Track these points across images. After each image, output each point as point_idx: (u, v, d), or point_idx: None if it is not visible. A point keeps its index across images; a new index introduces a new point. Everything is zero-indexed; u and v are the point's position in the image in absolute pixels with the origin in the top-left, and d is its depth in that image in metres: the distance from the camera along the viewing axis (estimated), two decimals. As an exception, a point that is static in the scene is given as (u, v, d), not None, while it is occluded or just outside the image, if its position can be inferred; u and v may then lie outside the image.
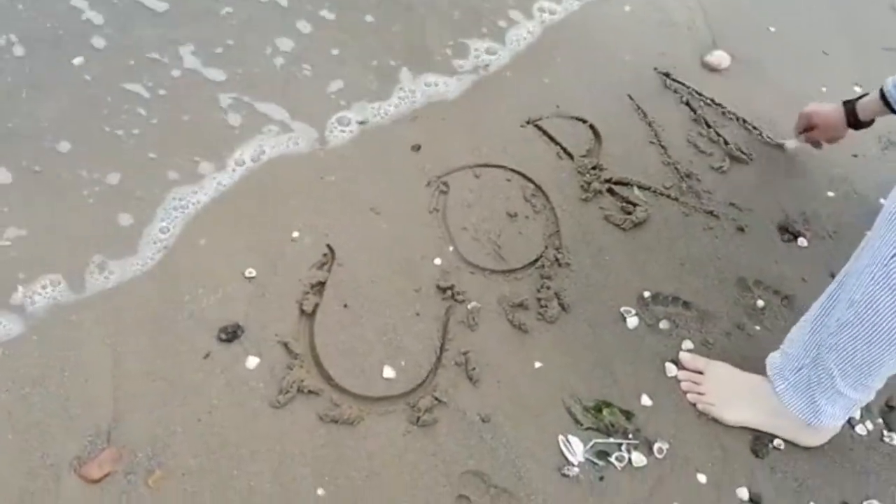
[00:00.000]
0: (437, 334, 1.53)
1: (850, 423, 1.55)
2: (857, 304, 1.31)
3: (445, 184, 1.75)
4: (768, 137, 1.97)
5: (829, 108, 1.85)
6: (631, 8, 2.17)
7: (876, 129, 2.03)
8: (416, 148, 1.79)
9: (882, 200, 1.74)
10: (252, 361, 1.45)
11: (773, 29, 2.19)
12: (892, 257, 1.24)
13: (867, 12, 2.26)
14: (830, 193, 1.91)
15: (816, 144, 1.94)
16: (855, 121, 1.81)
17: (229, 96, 1.85)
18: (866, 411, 1.57)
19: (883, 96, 1.71)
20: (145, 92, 1.82)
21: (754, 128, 1.98)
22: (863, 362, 1.34)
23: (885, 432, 1.55)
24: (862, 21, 2.25)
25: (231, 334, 1.46)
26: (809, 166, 1.94)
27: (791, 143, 1.98)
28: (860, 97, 1.80)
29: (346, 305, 1.54)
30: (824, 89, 2.10)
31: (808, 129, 1.91)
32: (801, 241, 1.81)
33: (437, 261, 1.63)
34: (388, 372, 1.48)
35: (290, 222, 1.64)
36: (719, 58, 2.07)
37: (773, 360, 1.50)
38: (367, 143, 1.80)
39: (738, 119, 1.99)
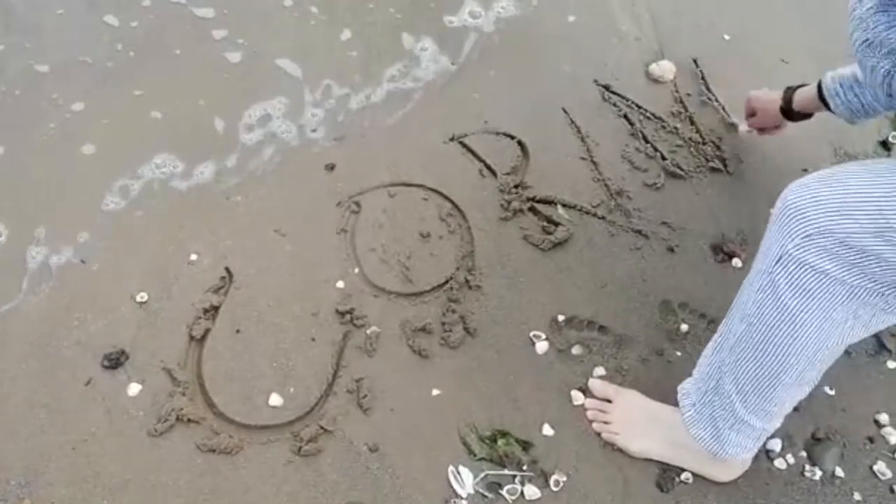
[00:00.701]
0: (331, 360, 1.49)
1: (769, 455, 1.45)
2: (747, 318, 1.22)
3: (357, 203, 1.71)
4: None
5: (769, 96, 1.76)
6: (575, 17, 2.09)
7: (830, 141, 1.93)
8: (331, 167, 1.75)
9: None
10: (134, 389, 1.43)
11: (727, 37, 2.09)
12: (777, 262, 1.16)
13: (828, 20, 2.13)
14: (773, 210, 1.80)
15: (761, 131, 1.85)
16: (789, 109, 1.70)
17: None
18: (789, 444, 1.47)
19: (820, 90, 1.59)
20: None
21: (701, 141, 1.89)
22: (758, 383, 1.26)
23: (808, 466, 1.45)
24: (823, 29, 2.13)
25: (114, 361, 1.44)
26: (753, 182, 1.84)
27: (742, 127, 1.91)
28: (801, 86, 1.69)
29: (238, 331, 1.51)
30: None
31: (751, 115, 1.83)
32: (736, 262, 1.71)
33: (340, 284, 1.59)
34: (276, 399, 1.44)
35: (189, 244, 1.62)
36: (664, 68, 1.98)
37: (683, 387, 1.41)
38: (279, 162, 1.77)
39: (678, 133, 1.90)
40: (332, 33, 2.03)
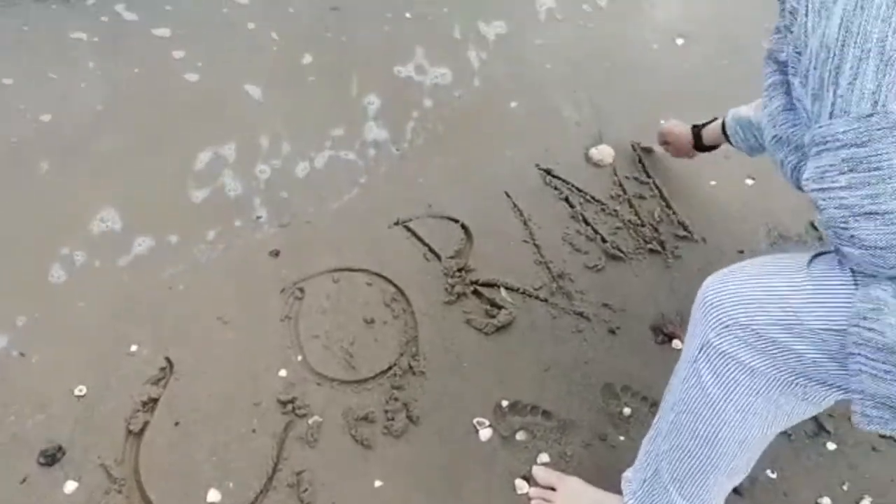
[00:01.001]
0: (272, 453, 1.47)
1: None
2: (676, 406, 1.25)
3: (301, 290, 1.72)
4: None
5: (681, 129, 1.98)
6: (517, 103, 2.16)
7: (764, 222, 2.00)
8: (275, 253, 1.76)
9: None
10: (70, 486, 1.39)
11: (663, 122, 2.18)
12: (700, 351, 1.19)
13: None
14: (710, 291, 1.85)
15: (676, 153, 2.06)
16: (699, 143, 1.93)
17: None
18: (732, 531, 1.48)
19: (724, 127, 1.79)
20: None
21: (640, 224, 1.95)
22: (692, 472, 1.27)
23: (749, 554, 1.46)
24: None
25: (51, 457, 1.41)
26: (691, 264, 1.89)
27: (657, 147, 2.10)
28: (709, 122, 1.90)
29: (177, 423, 1.49)
30: (713, 182, 2.08)
31: (664, 144, 2.05)
32: (676, 343, 1.74)
33: (283, 372, 1.58)
34: (213, 495, 1.41)
35: (129, 334, 1.60)
36: (603, 152, 2.05)
37: (626, 475, 1.42)
38: (223, 248, 1.78)
39: (617, 215, 1.96)
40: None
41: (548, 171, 2.03)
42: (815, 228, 2.03)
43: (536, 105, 2.17)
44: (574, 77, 2.25)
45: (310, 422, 1.52)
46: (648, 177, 2.05)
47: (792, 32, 1.00)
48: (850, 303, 1.00)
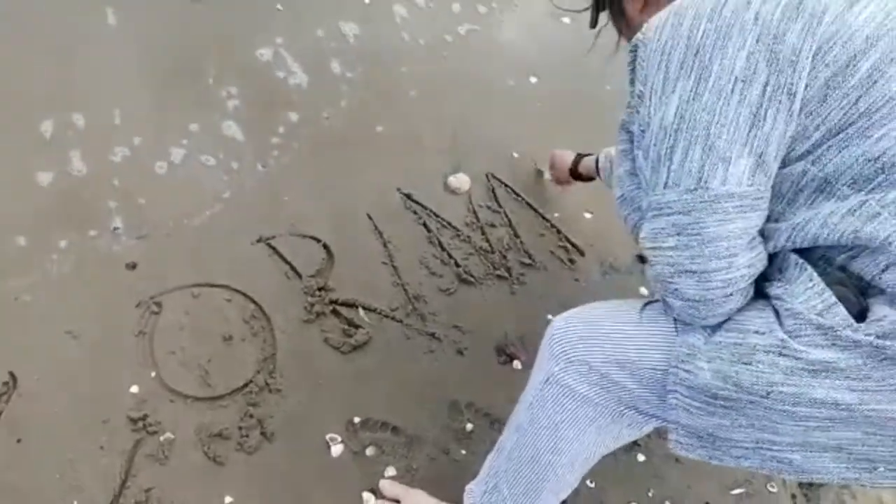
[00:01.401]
0: (120, 470, 1.47)
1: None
2: (520, 428, 1.38)
3: (158, 304, 1.71)
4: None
5: (566, 156, 2.18)
6: (382, 128, 2.25)
7: (598, 254, 2.21)
8: (132, 266, 1.74)
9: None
10: None
11: (516, 154, 2.35)
12: (545, 382, 1.32)
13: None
14: (550, 316, 2.03)
15: (559, 184, 2.26)
16: (576, 172, 2.14)
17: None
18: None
19: (597, 163, 2.04)
20: None
21: (490, 251, 2.09)
22: (527, 486, 1.41)
23: (570, 556, 1.63)
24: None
25: None
26: (533, 290, 2.07)
27: (546, 175, 2.31)
28: (588, 154, 2.12)
29: (19, 440, 1.45)
30: (556, 214, 2.27)
31: (550, 169, 2.26)
32: (516, 364, 1.91)
33: (134, 388, 1.58)
34: (57, 514, 1.39)
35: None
36: (460, 180, 2.19)
37: (469, 486, 1.54)
38: (76, 261, 1.73)
39: (470, 242, 2.10)
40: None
41: (408, 196, 2.13)
42: (642, 261, 2.27)
43: (401, 131, 2.27)
44: (436, 106, 2.37)
45: (161, 439, 1.53)
46: (500, 206, 2.21)
47: (639, 113, 1.16)
48: (671, 347, 1.17)
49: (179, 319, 1.71)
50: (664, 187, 1.08)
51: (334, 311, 1.84)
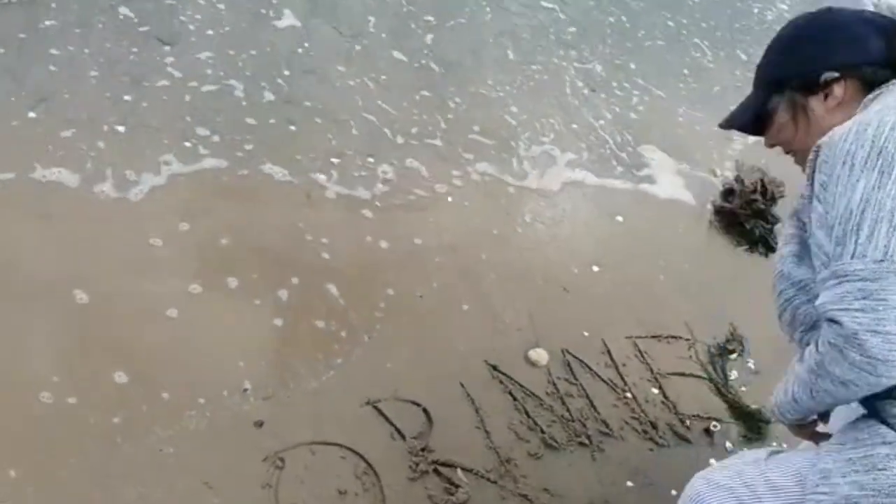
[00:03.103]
0: None
1: None
2: None
3: (282, 459, 1.88)
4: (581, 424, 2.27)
5: None
6: (468, 307, 2.52)
7: (668, 425, 2.37)
8: (259, 424, 1.93)
9: (674, 492, 2.01)
10: None
11: (586, 333, 2.59)
12: None
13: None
14: (629, 483, 2.16)
15: None
16: None
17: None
18: None
19: None
20: None
21: (570, 419, 2.26)
22: None
23: None
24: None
25: None
26: (612, 457, 2.21)
27: None
28: None
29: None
30: (655, 391, 2.46)
31: None
32: (604, 528, 2.01)
33: (264, 536, 1.71)
34: None
35: (120, 493, 1.69)
36: (539, 354, 2.41)
37: None
38: (211, 417, 1.93)
39: (552, 410, 2.27)
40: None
41: (494, 367, 2.34)
42: (708, 434, 2.41)
43: (484, 310, 2.53)
44: (514, 289, 2.65)
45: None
46: (576, 379, 2.41)
47: (819, 200, 1.35)
48: (801, 483, 1.32)
49: (300, 474, 1.87)
50: (851, 257, 1.24)
51: (436, 471, 1.99)
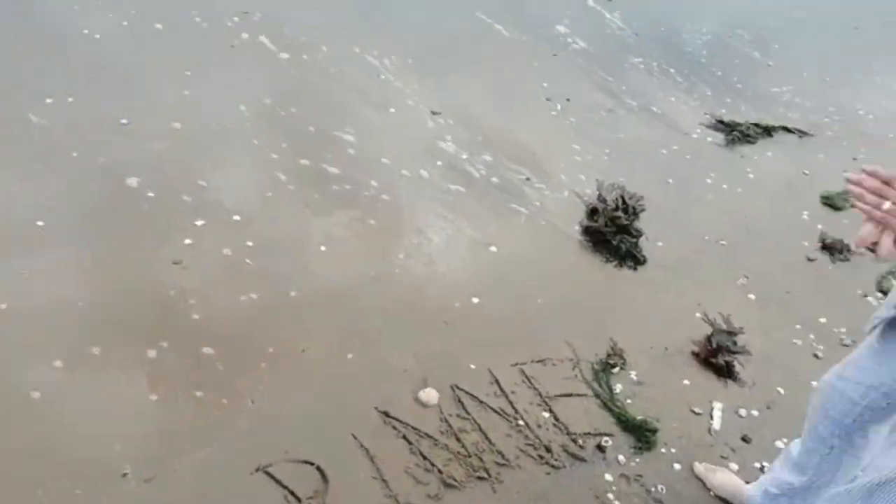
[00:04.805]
0: None
1: None
2: None
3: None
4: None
5: None
6: (353, 355, 2.49)
7: (563, 446, 2.42)
8: None
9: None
10: None
11: (473, 366, 2.61)
12: None
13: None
14: (531, 509, 2.20)
15: None
16: None
17: None
18: None
19: None
20: None
21: (467, 455, 2.27)
22: None
23: None
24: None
25: None
26: (512, 487, 2.23)
27: None
28: None
29: None
30: (546, 414, 2.49)
31: None
32: (511, 559, 2.02)
33: None
34: None
35: None
36: (429, 394, 2.41)
37: None
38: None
39: (448, 449, 2.27)
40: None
41: (385, 413, 2.32)
42: (601, 450, 2.48)
43: (369, 357, 2.51)
44: (397, 331, 2.64)
45: None
46: (468, 413, 2.42)
47: None
48: None
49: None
50: None
51: (335, 530, 1.94)
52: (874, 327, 1.71)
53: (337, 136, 3.54)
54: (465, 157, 3.69)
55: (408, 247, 3.06)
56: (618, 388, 2.69)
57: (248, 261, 2.71)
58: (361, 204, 3.18)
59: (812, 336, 3.12)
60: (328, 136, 3.52)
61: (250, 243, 2.79)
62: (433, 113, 3.93)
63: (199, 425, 2.09)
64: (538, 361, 2.70)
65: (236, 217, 2.88)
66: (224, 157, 3.19)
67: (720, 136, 4.50)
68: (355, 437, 2.21)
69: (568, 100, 4.42)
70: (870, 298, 3.45)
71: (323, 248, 2.91)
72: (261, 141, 3.34)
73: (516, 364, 2.64)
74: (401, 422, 2.31)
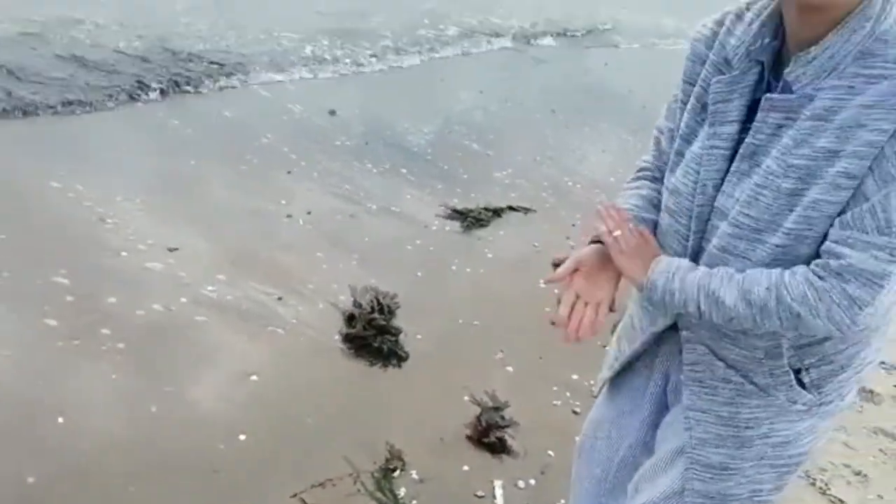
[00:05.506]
0: None
1: None
2: None
3: None
4: None
5: None
6: None
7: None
8: None
9: None
10: None
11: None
12: None
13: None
14: None
15: None
16: None
17: None
18: None
19: None
20: None
21: None
22: None
23: None
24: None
25: None
26: None
27: None
28: None
29: None
30: None
31: None
32: None
33: None
34: None
35: None
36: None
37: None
38: None
39: None
40: None
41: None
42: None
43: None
44: (161, 499, 2.41)
45: None
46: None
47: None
48: None
49: None
50: None
51: None
52: (601, 389, 1.88)
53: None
54: (210, 288, 3.57)
55: (158, 397, 2.84)
56: (402, 491, 2.67)
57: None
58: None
59: (568, 394, 3.37)
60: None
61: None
62: (169, 250, 3.77)
63: None
64: (318, 486, 2.60)
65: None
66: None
67: (457, 224, 4.82)
68: None
69: (309, 213, 4.50)
70: (608, 348, 3.83)
71: (61, 420, 2.60)
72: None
73: (295, 495, 2.53)
74: None
